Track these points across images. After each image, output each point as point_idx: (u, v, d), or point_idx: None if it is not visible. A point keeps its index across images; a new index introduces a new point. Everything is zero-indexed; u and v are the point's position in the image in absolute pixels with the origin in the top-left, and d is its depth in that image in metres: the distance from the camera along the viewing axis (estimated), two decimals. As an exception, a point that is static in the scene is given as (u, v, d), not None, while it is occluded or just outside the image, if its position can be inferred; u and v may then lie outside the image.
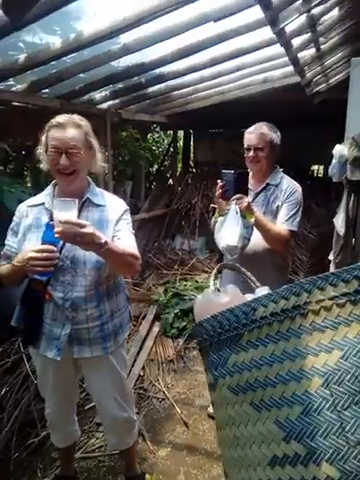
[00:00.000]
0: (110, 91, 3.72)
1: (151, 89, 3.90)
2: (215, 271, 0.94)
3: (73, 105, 3.52)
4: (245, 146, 2.23)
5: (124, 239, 1.69)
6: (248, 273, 0.95)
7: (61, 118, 1.59)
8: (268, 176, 2.26)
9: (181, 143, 8.00)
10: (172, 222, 6.08)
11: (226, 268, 1.00)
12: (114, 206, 1.76)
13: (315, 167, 8.05)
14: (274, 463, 0.52)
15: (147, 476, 2.22)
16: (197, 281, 4.55)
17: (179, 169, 7.41)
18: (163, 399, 2.95)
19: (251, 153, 2.19)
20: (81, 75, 3.00)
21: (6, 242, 1.75)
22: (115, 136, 4.39)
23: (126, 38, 2.54)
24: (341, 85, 3.93)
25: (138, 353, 3.40)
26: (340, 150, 2.48)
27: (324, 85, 4.20)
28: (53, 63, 2.58)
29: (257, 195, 2.26)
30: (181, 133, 7.78)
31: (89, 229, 1.41)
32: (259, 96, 4.30)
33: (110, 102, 4.00)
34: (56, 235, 1.41)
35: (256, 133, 2.17)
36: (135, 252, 1.67)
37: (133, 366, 3.20)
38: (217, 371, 0.60)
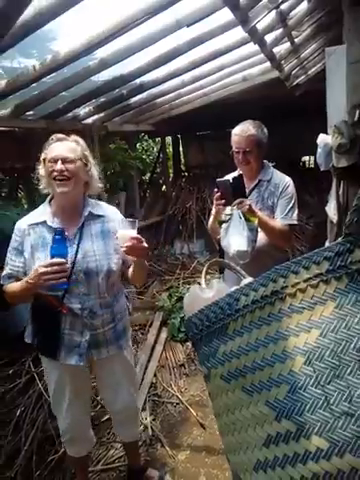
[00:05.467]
0: (94, 106, 3.78)
1: (133, 99, 3.95)
2: (205, 268, 0.97)
3: (59, 124, 3.57)
4: (234, 149, 2.21)
5: None
6: (237, 267, 0.98)
7: (60, 135, 1.73)
8: (259, 173, 2.26)
9: (171, 149, 8.06)
10: (170, 228, 6.11)
11: (216, 265, 1.03)
12: (113, 215, 1.86)
13: (306, 158, 8.09)
14: (269, 442, 0.55)
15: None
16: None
17: (171, 175, 7.46)
18: (177, 403, 2.96)
19: (240, 156, 2.17)
20: (63, 93, 3.05)
21: (9, 262, 1.75)
22: (103, 149, 4.44)
23: (102, 53, 2.60)
24: (320, 75, 3.98)
25: (148, 360, 3.42)
26: (324, 139, 2.51)
27: (303, 77, 4.25)
28: (34, 85, 2.63)
29: (250, 192, 2.27)
30: (169, 139, 7.83)
31: (145, 243, 1.64)
32: (241, 94, 4.35)
33: (95, 116, 4.05)
34: (124, 250, 1.61)
35: (243, 137, 2.14)
36: None
37: (145, 374, 3.22)
38: (209, 362, 0.63)
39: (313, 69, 4.22)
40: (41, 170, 1.70)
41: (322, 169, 2.70)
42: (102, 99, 3.64)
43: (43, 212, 1.76)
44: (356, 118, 2.41)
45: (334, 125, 2.47)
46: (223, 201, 2.03)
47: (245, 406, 0.58)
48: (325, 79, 2.79)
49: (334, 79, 2.63)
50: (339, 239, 0.57)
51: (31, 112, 3.29)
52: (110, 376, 1.92)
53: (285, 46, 3.28)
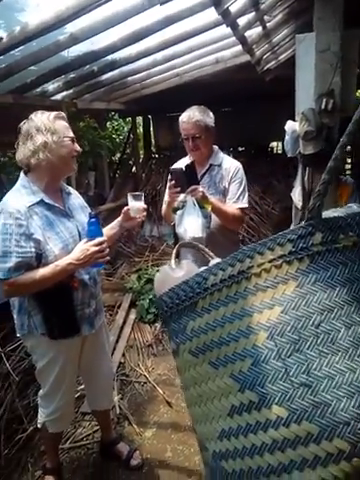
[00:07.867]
0: (63, 82, 3.67)
1: (105, 76, 3.87)
2: (175, 250, 0.99)
3: (26, 98, 3.46)
4: (182, 136, 2.24)
5: None
6: (206, 249, 1.01)
7: (62, 113, 1.74)
8: (210, 158, 2.30)
9: (141, 129, 7.96)
10: (139, 210, 6.08)
11: (186, 247, 1.05)
12: (75, 192, 1.93)
13: (274, 144, 8.19)
14: (233, 412, 0.58)
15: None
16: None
17: (142, 156, 7.39)
18: (145, 383, 3.02)
19: (190, 142, 2.21)
20: (32, 68, 2.94)
21: (15, 250, 1.54)
22: (72, 127, 4.33)
23: (73, 27, 2.52)
24: (290, 62, 4.01)
25: (117, 341, 3.45)
26: (291, 126, 2.57)
27: (274, 62, 4.27)
28: (1, 57, 2.53)
29: (202, 177, 2.30)
30: (141, 119, 7.72)
31: None
32: (213, 76, 4.34)
33: (64, 93, 3.94)
34: (139, 220, 1.85)
35: (191, 123, 2.18)
36: None
37: (113, 354, 3.25)
38: (178, 338, 0.66)
39: (284, 55, 4.24)
40: (52, 139, 1.62)
41: (289, 155, 2.77)
42: (72, 75, 3.55)
43: (31, 191, 1.64)
44: (323, 106, 2.48)
45: (302, 112, 2.53)
46: (178, 189, 2.06)
47: (211, 379, 0.61)
48: (295, 65, 2.83)
49: (303, 66, 2.67)
50: (302, 222, 0.61)
51: (-3, 86, 3.17)
52: (100, 344, 2.00)
53: (257, 30, 3.29)
